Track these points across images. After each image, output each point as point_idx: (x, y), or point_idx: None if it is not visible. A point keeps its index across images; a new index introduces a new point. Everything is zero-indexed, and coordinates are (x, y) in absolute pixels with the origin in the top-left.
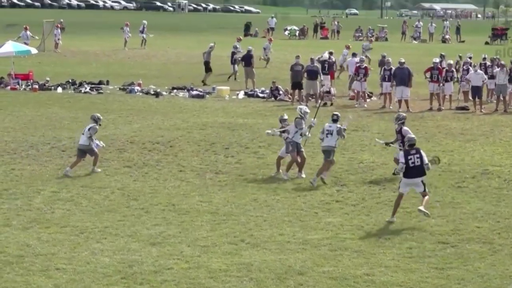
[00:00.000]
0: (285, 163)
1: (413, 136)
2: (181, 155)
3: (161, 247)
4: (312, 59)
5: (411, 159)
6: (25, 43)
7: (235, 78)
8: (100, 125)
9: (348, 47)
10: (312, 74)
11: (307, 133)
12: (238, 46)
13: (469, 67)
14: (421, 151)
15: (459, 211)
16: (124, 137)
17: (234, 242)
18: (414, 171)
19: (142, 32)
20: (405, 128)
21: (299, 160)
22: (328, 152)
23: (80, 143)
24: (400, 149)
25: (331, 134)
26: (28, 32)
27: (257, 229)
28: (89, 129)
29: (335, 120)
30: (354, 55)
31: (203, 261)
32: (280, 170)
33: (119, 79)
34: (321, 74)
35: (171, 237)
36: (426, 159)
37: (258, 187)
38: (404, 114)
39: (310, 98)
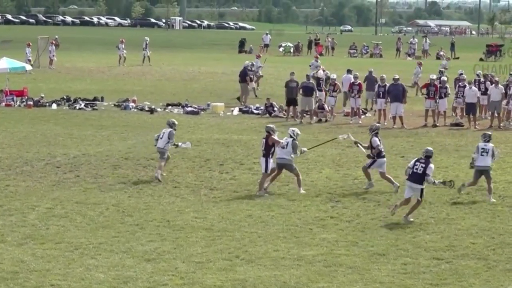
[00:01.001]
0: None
1: (430, 149)
2: (175, 172)
3: (156, 263)
4: (307, 76)
5: (417, 165)
6: (29, 60)
7: (255, 95)
8: (175, 129)
9: (420, 64)
10: (308, 91)
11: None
12: (256, 63)
13: (465, 84)
14: (431, 164)
15: (454, 227)
16: (118, 154)
17: (229, 258)
18: (414, 176)
19: (145, 48)
20: (375, 138)
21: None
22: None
23: (158, 146)
24: (368, 156)
25: (487, 152)
26: (30, 49)
27: (251, 245)
28: (168, 136)
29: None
30: (348, 71)
31: (197, 277)
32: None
33: (114, 95)
34: (317, 90)
35: (165, 253)
36: (429, 172)
37: (252, 203)
38: (378, 125)
39: (304, 115)
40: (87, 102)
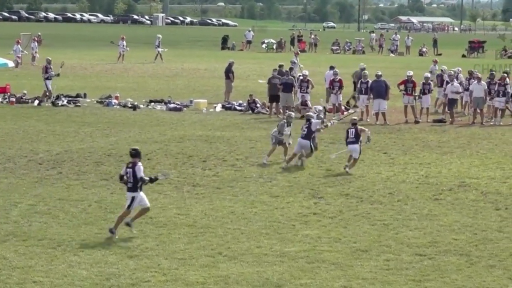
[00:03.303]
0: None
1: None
2: (158, 168)
3: (139, 260)
4: (286, 72)
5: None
6: (18, 57)
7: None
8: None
9: (436, 62)
10: (287, 87)
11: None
12: (295, 61)
13: (448, 79)
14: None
15: (436, 223)
16: (101, 150)
17: (212, 255)
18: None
19: (158, 46)
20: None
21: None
22: None
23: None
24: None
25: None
26: (19, 46)
27: (234, 241)
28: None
29: None
30: (331, 68)
31: (180, 273)
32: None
33: (97, 92)
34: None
35: (148, 249)
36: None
37: (235, 200)
38: (356, 118)
39: (287, 111)
40: (70, 98)
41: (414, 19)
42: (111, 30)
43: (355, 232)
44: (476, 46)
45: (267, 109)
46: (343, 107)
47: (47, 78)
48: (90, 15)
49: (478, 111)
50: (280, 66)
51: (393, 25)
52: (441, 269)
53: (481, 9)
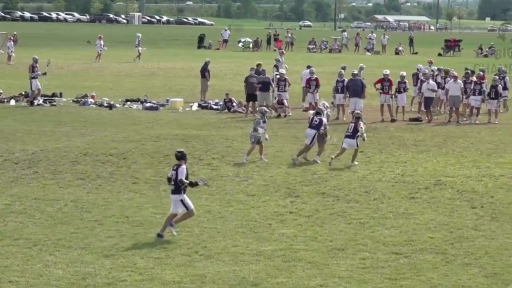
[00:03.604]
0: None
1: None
2: (134, 167)
3: (115, 259)
4: (263, 70)
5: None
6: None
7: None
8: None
9: (431, 62)
10: (265, 86)
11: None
12: (281, 59)
13: (424, 78)
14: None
15: (412, 222)
16: (77, 149)
17: (188, 254)
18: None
19: (138, 45)
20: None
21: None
22: None
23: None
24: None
25: None
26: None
27: (210, 240)
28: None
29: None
30: (308, 67)
31: (156, 273)
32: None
33: (73, 91)
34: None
35: (124, 249)
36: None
37: (212, 199)
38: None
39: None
40: (46, 98)
41: (390, 18)
42: (87, 29)
43: (331, 230)
44: (452, 45)
45: (243, 108)
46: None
47: (33, 77)
48: (66, 14)
49: (454, 109)
50: (258, 65)
51: (369, 24)
52: (417, 267)
53: (457, 8)
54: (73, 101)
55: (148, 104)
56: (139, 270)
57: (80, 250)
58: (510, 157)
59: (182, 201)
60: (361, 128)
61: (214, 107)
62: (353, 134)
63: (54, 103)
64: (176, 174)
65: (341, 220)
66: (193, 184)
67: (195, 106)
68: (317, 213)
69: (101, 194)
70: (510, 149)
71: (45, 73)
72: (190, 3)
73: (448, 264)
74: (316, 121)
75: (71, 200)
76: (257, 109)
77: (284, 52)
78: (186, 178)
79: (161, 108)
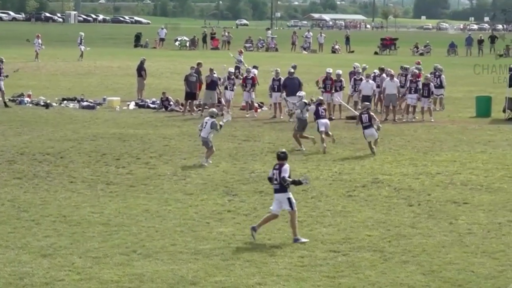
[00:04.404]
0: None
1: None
2: (71, 166)
3: (52, 259)
4: (211, 69)
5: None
6: None
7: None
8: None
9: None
10: (213, 84)
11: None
12: (241, 59)
13: (361, 77)
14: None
15: (350, 220)
16: (14, 149)
17: (126, 253)
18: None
19: (80, 44)
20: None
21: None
22: None
23: (202, 136)
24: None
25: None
26: None
27: (148, 239)
28: (211, 126)
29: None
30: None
31: (94, 272)
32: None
33: (8, 90)
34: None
35: (62, 248)
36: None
37: (149, 198)
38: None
39: (207, 107)
40: None
41: (327, 17)
42: (23, 28)
43: (269, 229)
44: (388, 43)
45: (180, 106)
46: (256, 104)
47: None
48: (1, 12)
49: (391, 108)
50: (198, 64)
51: (305, 22)
52: (355, 265)
53: (392, 7)
54: (9, 100)
55: (85, 103)
56: (77, 270)
57: (17, 250)
58: (446, 155)
59: (289, 199)
60: (377, 121)
61: (151, 106)
62: (370, 122)
63: None
64: (280, 172)
65: (279, 219)
66: (296, 183)
67: (132, 105)
68: (255, 212)
69: (38, 194)
70: (446, 147)
71: (7, 76)
72: (126, 3)
73: (386, 262)
74: (322, 112)
75: (8, 200)
76: (209, 111)
77: (242, 51)
78: (289, 177)
79: (98, 107)
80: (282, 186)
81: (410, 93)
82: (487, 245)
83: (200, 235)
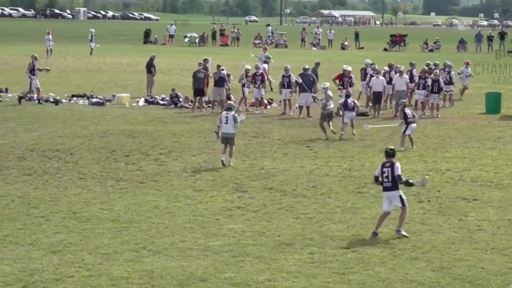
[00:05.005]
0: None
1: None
2: (81, 163)
3: (62, 255)
4: (218, 66)
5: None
6: None
7: (271, 89)
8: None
9: (468, 64)
10: (220, 81)
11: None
12: (269, 55)
13: (372, 73)
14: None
15: (360, 216)
16: (23, 145)
17: (136, 250)
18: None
19: (91, 40)
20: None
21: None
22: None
23: (227, 132)
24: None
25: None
26: None
27: (158, 236)
28: (233, 119)
29: None
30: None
31: (104, 268)
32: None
33: (18, 87)
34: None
35: (72, 245)
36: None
37: (159, 194)
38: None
39: (216, 104)
40: None
41: (336, 13)
42: (32, 25)
43: (279, 225)
44: (397, 40)
45: (190, 103)
46: (265, 101)
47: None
48: (10, 9)
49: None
50: (205, 60)
51: (315, 19)
52: (364, 261)
53: (402, 3)
54: (19, 96)
55: (95, 100)
56: (87, 266)
57: (28, 246)
58: (456, 152)
59: (401, 196)
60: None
61: (161, 102)
62: (414, 117)
63: (0, 99)
64: (392, 170)
65: (289, 215)
66: (409, 184)
67: (141, 102)
68: (265, 208)
69: (48, 190)
70: (456, 144)
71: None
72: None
73: (396, 258)
74: (351, 104)
75: (18, 196)
76: (226, 103)
77: (267, 47)
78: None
79: (108, 103)
80: (394, 184)
81: (418, 89)
82: (497, 242)
83: (209, 232)
